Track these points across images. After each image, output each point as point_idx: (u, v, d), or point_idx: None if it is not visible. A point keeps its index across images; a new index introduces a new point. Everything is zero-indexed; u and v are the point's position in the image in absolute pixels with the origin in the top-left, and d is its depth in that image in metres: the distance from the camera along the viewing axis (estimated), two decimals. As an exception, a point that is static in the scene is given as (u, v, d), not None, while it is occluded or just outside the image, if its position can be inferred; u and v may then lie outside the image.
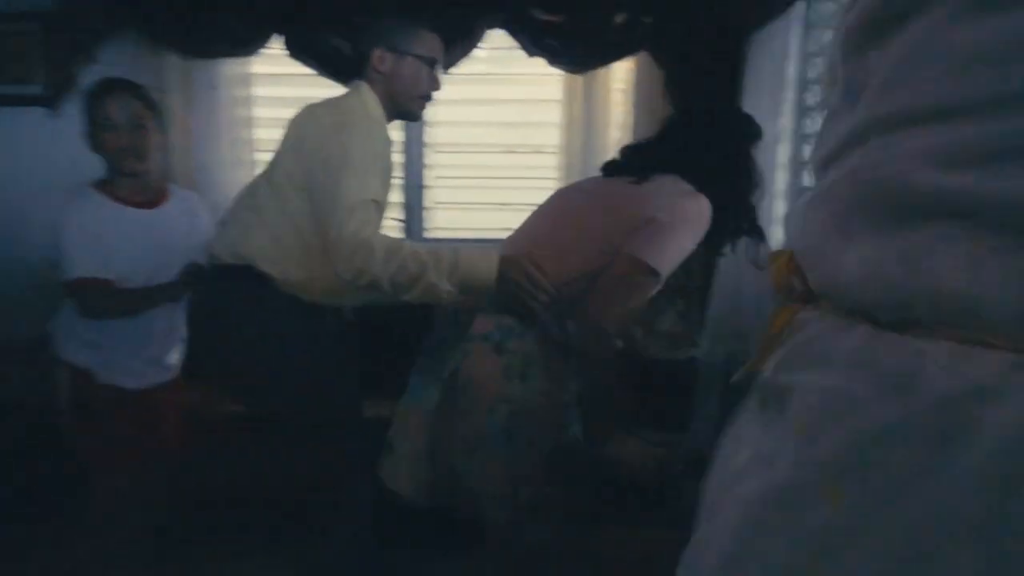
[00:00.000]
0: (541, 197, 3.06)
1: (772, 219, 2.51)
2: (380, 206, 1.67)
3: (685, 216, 1.46)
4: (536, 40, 2.83)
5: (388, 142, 1.76)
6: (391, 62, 1.73)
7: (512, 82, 3.14)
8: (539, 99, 3.12)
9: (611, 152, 2.98)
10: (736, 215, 1.58)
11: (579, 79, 2.93)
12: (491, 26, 2.84)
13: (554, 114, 3.01)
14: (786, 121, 2.47)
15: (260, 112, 2.98)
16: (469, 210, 3.16)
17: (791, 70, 2.45)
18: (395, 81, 1.74)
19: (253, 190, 1.77)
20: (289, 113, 1.74)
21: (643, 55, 2.89)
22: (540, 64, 2.91)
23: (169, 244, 1.97)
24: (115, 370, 1.92)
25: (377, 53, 1.72)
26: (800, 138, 2.54)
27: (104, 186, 1.93)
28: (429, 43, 1.79)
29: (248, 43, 2.82)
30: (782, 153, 2.47)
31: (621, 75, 2.99)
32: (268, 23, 2.78)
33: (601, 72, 2.93)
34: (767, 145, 2.48)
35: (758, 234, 1.62)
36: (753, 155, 1.66)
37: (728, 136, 1.64)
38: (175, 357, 2.06)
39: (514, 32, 2.86)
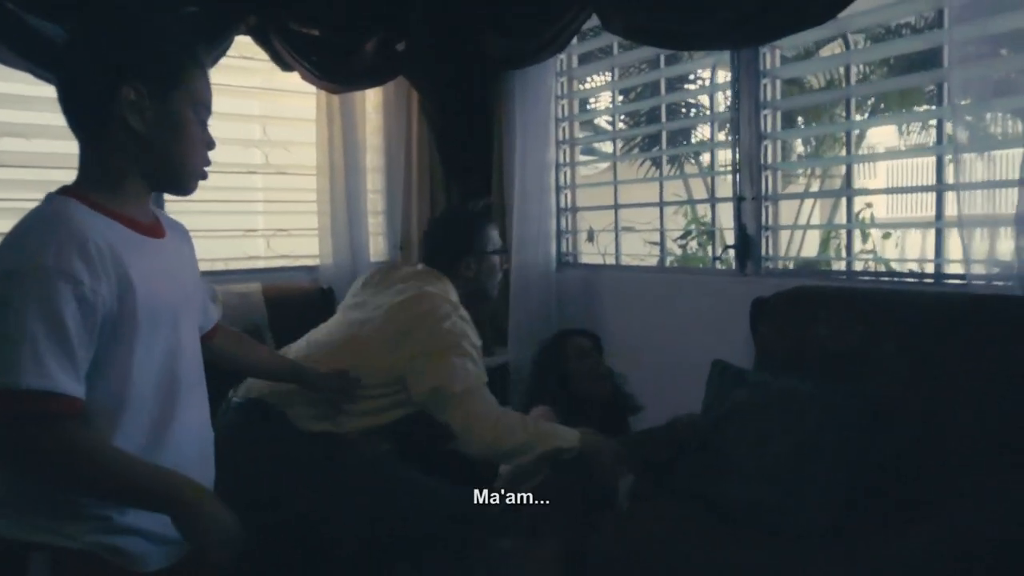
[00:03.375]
0: (297, 221, 2.84)
1: (549, 233, 2.79)
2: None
3: None
4: (292, 53, 2.62)
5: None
6: (475, 265, 1.90)
7: (256, 96, 2.85)
8: (289, 117, 2.90)
9: (368, 174, 2.93)
10: None
11: (335, 99, 2.80)
12: (240, 32, 2.55)
13: (306, 133, 2.83)
14: (552, 152, 2.76)
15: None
16: (214, 238, 2.76)
17: (552, 109, 2.75)
18: (480, 278, 1.91)
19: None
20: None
21: (396, 80, 2.91)
22: (290, 79, 2.71)
23: (190, 308, 1.20)
24: (134, 542, 1.05)
25: (464, 261, 1.89)
26: (557, 166, 2.87)
27: (95, 199, 1.05)
28: (496, 235, 1.98)
29: None
30: (551, 178, 2.76)
31: (374, 98, 2.95)
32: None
33: (357, 94, 2.85)
34: (541, 171, 2.76)
35: None
36: None
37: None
38: None
39: (265, 42, 2.61)
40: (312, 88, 2.74)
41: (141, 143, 1.06)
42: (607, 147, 3.65)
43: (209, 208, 2.70)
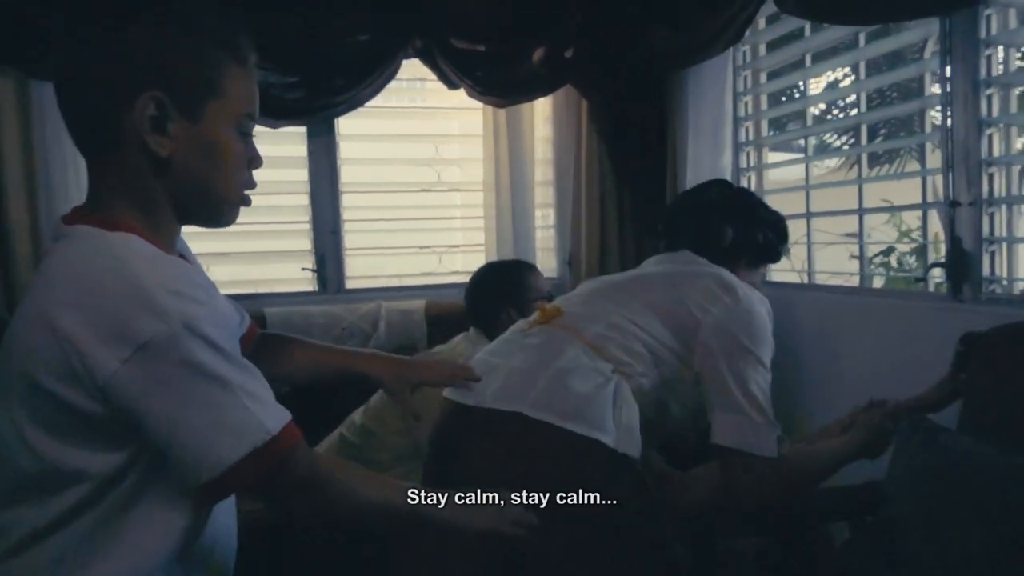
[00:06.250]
0: (467, 238, 2.88)
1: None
2: None
3: None
4: (457, 71, 2.63)
5: None
6: (517, 315, 1.75)
7: (428, 116, 2.92)
8: (458, 134, 2.92)
9: (536, 189, 2.85)
10: None
11: (502, 113, 2.76)
12: (407, 56, 2.61)
13: (476, 150, 2.81)
14: (728, 157, 2.45)
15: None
16: (385, 256, 2.86)
17: (729, 109, 2.44)
18: None
19: None
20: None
21: (565, 89, 2.78)
22: (458, 97, 2.72)
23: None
24: None
25: (506, 312, 1.82)
26: (737, 171, 2.54)
27: (144, 232, 0.85)
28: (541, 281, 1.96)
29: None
30: (727, 188, 2.45)
31: (543, 110, 2.86)
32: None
33: (524, 106, 2.78)
34: (712, 178, 2.46)
35: None
36: None
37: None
38: None
39: (431, 62, 2.65)
40: (480, 104, 2.73)
41: (162, 169, 0.82)
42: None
43: (384, 226, 2.81)
